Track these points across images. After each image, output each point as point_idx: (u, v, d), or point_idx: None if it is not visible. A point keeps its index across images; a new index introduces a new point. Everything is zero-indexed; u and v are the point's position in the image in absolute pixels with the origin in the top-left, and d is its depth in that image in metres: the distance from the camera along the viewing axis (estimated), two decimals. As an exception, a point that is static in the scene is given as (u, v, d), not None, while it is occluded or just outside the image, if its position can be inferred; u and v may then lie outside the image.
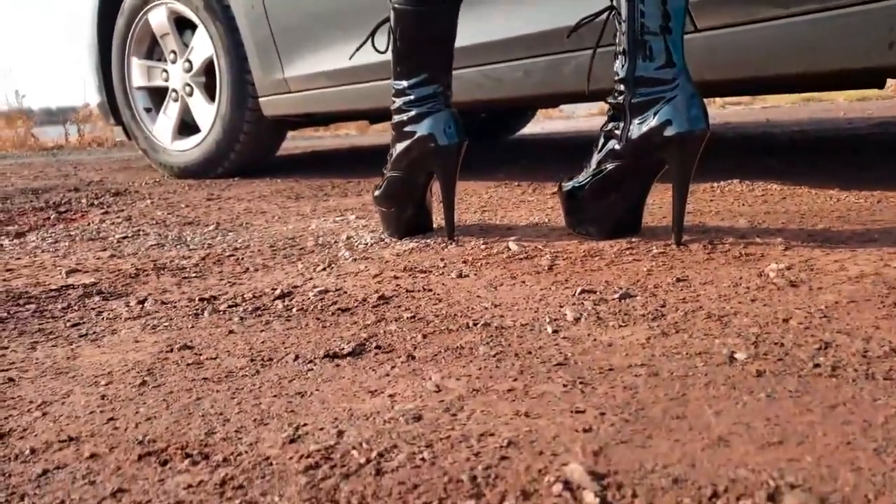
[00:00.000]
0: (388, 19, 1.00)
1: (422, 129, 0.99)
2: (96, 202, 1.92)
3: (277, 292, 0.83)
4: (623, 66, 0.90)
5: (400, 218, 1.08)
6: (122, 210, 1.76)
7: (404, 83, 1.00)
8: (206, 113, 2.13)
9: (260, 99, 1.99)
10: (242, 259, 1.07)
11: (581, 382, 0.49)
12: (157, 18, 2.16)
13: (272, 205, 1.69)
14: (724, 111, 4.97)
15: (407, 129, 1.00)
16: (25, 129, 4.90)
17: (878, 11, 1.05)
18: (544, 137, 3.48)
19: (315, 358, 0.59)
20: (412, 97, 0.99)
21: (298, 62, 1.86)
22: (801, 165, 1.66)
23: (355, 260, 0.99)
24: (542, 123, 5.01)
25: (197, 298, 0.84)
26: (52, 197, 2.10)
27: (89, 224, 1.57)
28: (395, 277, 0.87)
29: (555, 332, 0.61)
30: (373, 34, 1.04)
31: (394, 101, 1.02)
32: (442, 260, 0.94)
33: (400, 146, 1.02)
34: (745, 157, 1.87)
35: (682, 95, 0.86)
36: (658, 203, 1.23)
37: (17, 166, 3.76)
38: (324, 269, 0.97)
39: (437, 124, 0.98)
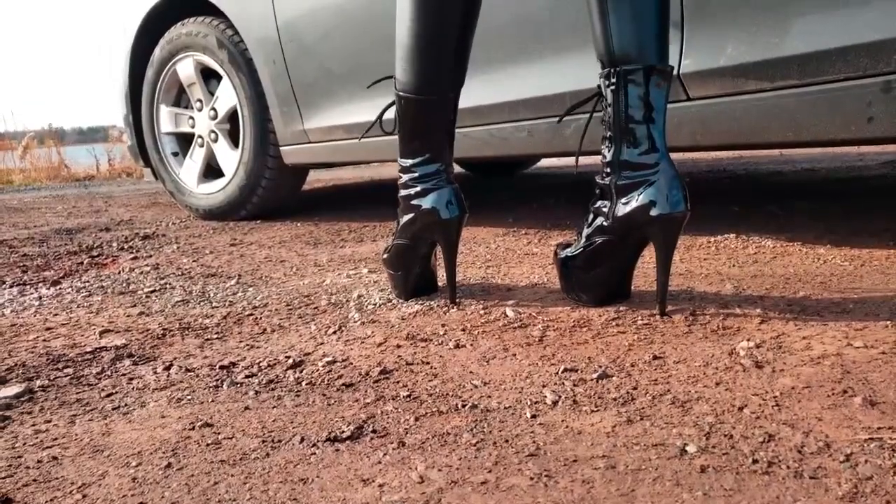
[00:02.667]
0: (394, 103, 1.09)
1: (426, 203, 1.07)
2: (126, 246, 2.03)
3: (290, 361, 0.91)
4: (609, 150, 0.98)
5: (406, 281, 1.16)
6: (151, 256, 1.87)
7: (409, 161, 1.08)
8: (229, 159, 2.23)
9: (281, 148, 2.10)
10: (260, 319, 1.16)
11: (546, 475, 0.56)
12: (185, 69, 2.28)
13: (291, 252, 1.78)
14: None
15: (412, 202, 1.08)
16: (59, 161, 5.09)
17: (857, 88, 1.12)
18: (557, 171, 3.56)
19: (318, 441, 0.66)
20: (417, 174, 1.07)
21: (317, 115, 1.96)
22: (801, 214, 1.71)
23: (363, 323, 1.07)
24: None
25: (217, 366, 0.92)
26: (84, 239, 2.21)
27: (120, 272, 1.67)
28: (398, 346, 0.94)
29: (533, 416, 0.68)
30: (380, 117, 1.13)
31: (400, 176, 1.11)
32: (443, 326, 1.01)
33: (406, 217, 1.10)
34: (749, 202, 1.93)
35: (664, 179, 0.93)
36: (652, 263, 1.29)
37: (51, 199, 3.92)
38: (335, 331, 1.05)
39: (440, 199, 1.06)
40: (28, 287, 1.59)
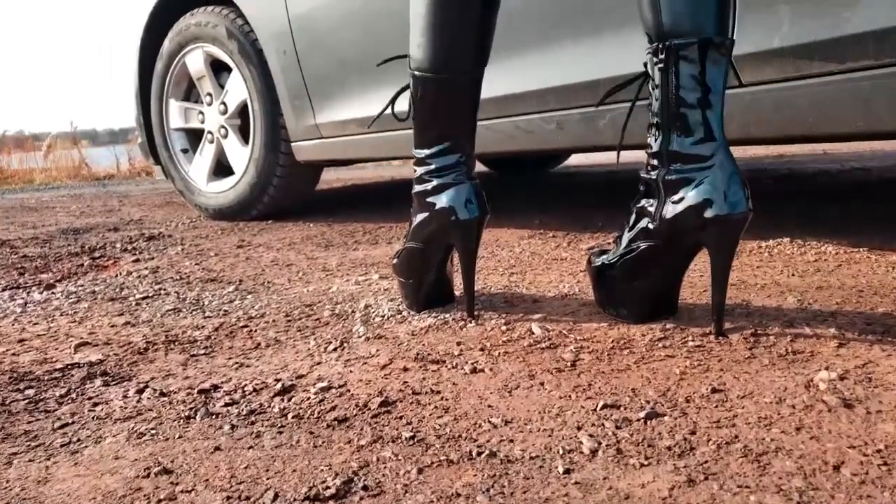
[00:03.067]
0: (408, 86, 0.95)
1: (442, 201, 0.93)
2: (130, 247, 1.92)
3: (279, 386, 0.78)
4: (656, 139, 0.83)
5: (418, 290, 1.02)
6: (153, 258, 1.75)
7: (425, 152, 0.94)
8: (240, 156, 2.12)
9: (292, 144, 1.97)
10: (255, 331, 1.03)
11: (586, 564, 0.42)
12: (194, 61, 2.17)
13: (300, 255, 1.65)
14: (777, 138, 4.78)
15: (427, 199, 0.94)
16: (80, 160, 5.05)
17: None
18: (588, 170, 3.40)
19: (296, 499, 0.53)
20: (433, 167, 0.94)
21: (330, 108, 1.83)
22: (860, 218, 1.54)
23: (368, 339, 0.93)
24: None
25: (196, 390, 0.80)
26: (90, 239, 2.11)
27: (117, 275, 1.55)
28: (405, 369, 0.80)
29: (566, 471, 0.54)
30: (393, 102, 1.00)
31: (415, 170, 0.97)
32: (458, 345, 0.87)
33: (419, 217, 0.97)
34: (799, 204, 1.76)
35: (721, 174, 0.78)
36: (700, 270, 1.14)
37: (67, 198, 3.86)
38: (335, 349, 0.91)
39: (459, 197, 0.92)
40: (20, 291, 1.49)
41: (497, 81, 1.27)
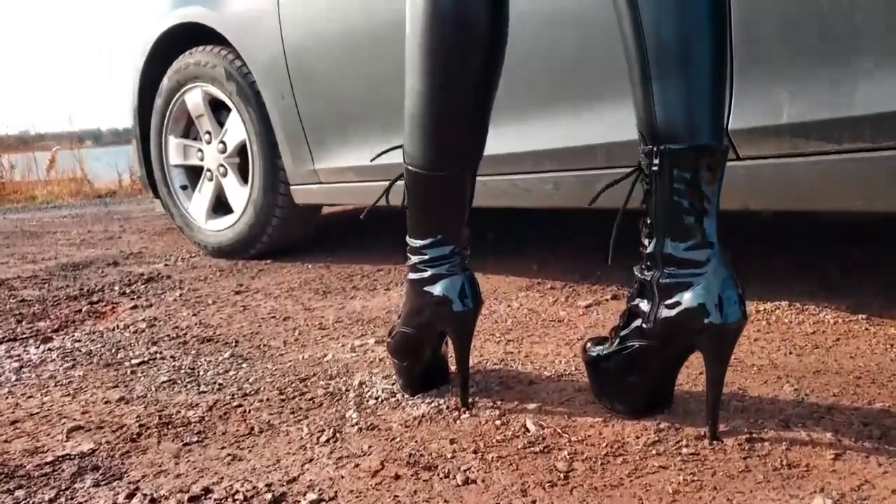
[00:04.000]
0: (402, 175, 0.94)
1: (437, 290, 0.92)
2: (128, 290, 1.92)
3: (269, 496, 0.78)
4: (650, 240, 0.82)
5: (412, 373, 1.01)
6: (151, 304, 1.75)
7: (419, 242, 0.94)
8: (239, 195, 2.12)
9: (291, 187, 1.97)
10: (249, 412, 1.03)
11: None
12: (193, 100, 2.16)
13: (297, 305, 1.65)
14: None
15: (421, 288, 0.94)
16: (82, 176, 5.06)
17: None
18: (587, 208, 3.38)
19: None
20: (427, 257, 0.93)
21: (329, 155, 1.83)
22: (860, 269, 1.53)
23: (360, 430, 0.93)
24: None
25: (187, 497, 0.79)
26: (89, 277, 2.12)
27: (115, 328, 1.55)
28: (396, 477, 0.80)
29: None
30: (387, 191, 0.99)
31: (409, 257, 0.96)
32: (451, 443, 0.87)
33: (413, 304, 0.96)
34: (797, 250, 1.75)
35: (716, 280, 0.78)
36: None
37: (69, 220, 3.86)
38: (328, 439, 0.91)
39: (453, 288, 0.91)
40: (16, 344, 1.49)
41: (495, 140, 1.26)
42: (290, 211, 2.04)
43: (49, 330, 1.61)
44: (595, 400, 0.95)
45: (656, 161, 0.79)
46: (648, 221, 0.83)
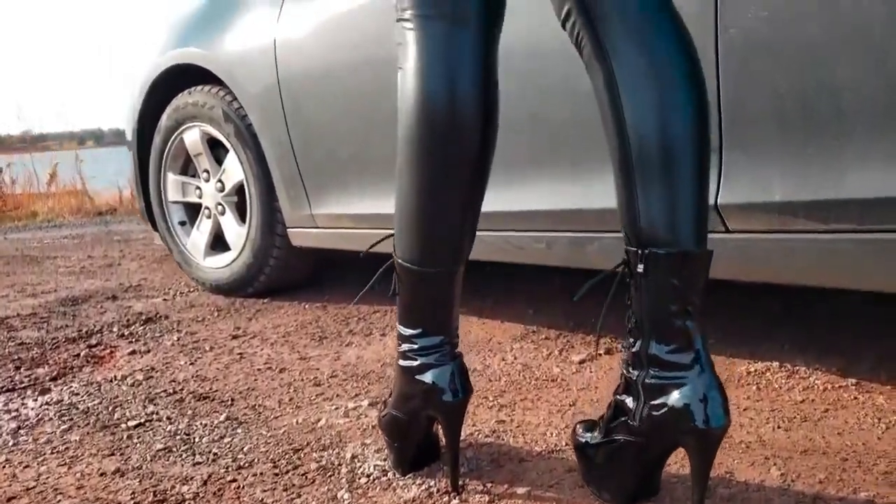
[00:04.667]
0: (392, 267, 0.96)
1: (427, 379, 0.93)
2: (126, 332, 1.93)
3: None
4: (635, 340, 0.84)
5: (403, 453, 1.02)
6: (149, 350, 1.77)
7: (409, 331, 0.95)
8: (237, 234, 2.13)
9: (288, 229, 1.98)
10: (242, 489, 1.04)
11: None
12: (191, 138, 2.18)
13: (294, 353, 1.66)
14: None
15: (411, 376, 0.95)
16: (83, 191, 5.08)
17: (929, 243, 0.96)
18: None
19: None
20: (416, 346, 0.94)
21: (325, 201, 1.84)
22: (849, 322, 1.54)
23: (352, 515, 0.94)
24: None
25: None
26: (88, 314, 2.13)
27: (112, 379, 1.57)
28: (386, 576, 0.81)
29: None
30: (377, 279, 1.01)
31: (399, 343, 0.97)
32: (440, 534, 0.88)
33: (403, 390, 0.97)
34: (787, 297, 1.76)
35: (700, 384, 0.79)
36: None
37: (69, 242, 3.88)
38: (320, 524, 0.92)
39: (443, 378, 0.92)
40: (15, 396, 1.50)
41: (488, 198, 1.28)
42: (287, 251, 2.05)
43: (47, 378, 1.62)
44: (583, 484, 0.96)
45: (641, 264, 0.80)
46: (634, 321, 0.84)
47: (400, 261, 0.92)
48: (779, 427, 1.11)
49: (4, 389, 1.56)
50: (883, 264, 1.01)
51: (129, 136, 2.42)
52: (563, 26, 0.87)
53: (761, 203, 1.09)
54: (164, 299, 2.32)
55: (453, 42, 0.81)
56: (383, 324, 1.85)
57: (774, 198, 1.08)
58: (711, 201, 1.13)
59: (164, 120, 2.23)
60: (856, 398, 1.19)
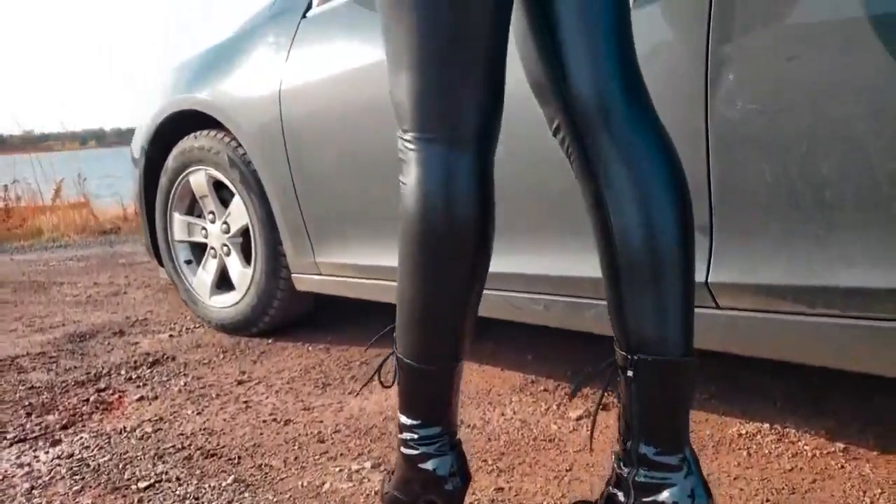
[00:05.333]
0: (393, 354, 1.00)
1: (427, 466, 0.97)
2: (134, 375, 1.97)
3: None
4: (626, 440, 0.88)
5: (405, 530, 1.06)
6: (156, 397, 1.81)
7: (409, 421, 0.99)
8: (242, 276, 2.17)
9: (292, 274, 2.03)
10: (250, 562, 1.08)
11: None
12: (197, 181, 2.22)
13: (297, 402, 1.71)
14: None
15: (412, 463, 0.99)
16: (87, 210, 5.13)
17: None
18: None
19: None
20: (417, 436, 0.98)
21: (329, 250, 1.88)
22: (839, 381, 1.58)
23: None
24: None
25: None
26: (96, 354, 2.17)
27: (122, 430, 1.61)
28: None
29: None
30: (379, 370, 1.05)
31: (400, 431, 1.01)
32: None
33: (404, 473, 1.01)
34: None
35: (686, 485, 0.83)
36: None
37: (74, 266, 3.93)
38: None
39: (443, 467, 0.96)
40: (27, 448, 1.55)
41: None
42: (291, 294, 2.09)
43: (58, 426, 1.67)
44: (578, 565, 1.00)
45: (630, 369, 0.84)
46: (625, 421, 0.88)
47: (400, 356, 0.96)
48: (767, 500, 1.15)
49: (17, 440, 1.61)
50: (867, 349, 1.05)
51: (136, 178, 2.47)
52: (555, 136, 0.91)
53: (750, 284, 1.13)
54: (171, 335, 2.36)
55: (453, 165, 0.85)
56: (385, 369, 1.89)
57: (762, 280, 1.12)
58: (702, 279, 1.18)
59: (171, 161, 2.27)
60: (843, 467, 1.23)
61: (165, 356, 2.13)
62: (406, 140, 0.88)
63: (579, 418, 1.51)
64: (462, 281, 0.90)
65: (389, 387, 1.01)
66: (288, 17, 1.91)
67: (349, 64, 1.69)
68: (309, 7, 1.87)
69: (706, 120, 1.12)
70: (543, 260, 1.41)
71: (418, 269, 0.90)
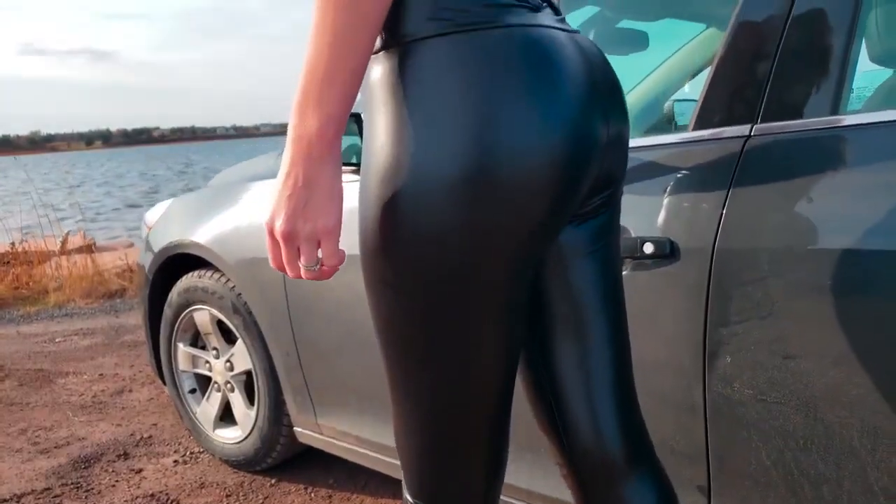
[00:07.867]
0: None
1: None
2: (138, 527, 1.99)
3: None
4: None
5: None
6: (160, 562, 1.82)
7: None
8: (245, 415, 2.19)
9: (294, 427, 2.04)
10: None
11: None
12: (201, 319, 2.24)
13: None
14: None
15: None
16: (94, 270, 5.16)
17: None
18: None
19: None
20: None
21: (330, 414, 1.89)
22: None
23: None
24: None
25: None
26: (100, 492, 2.18)
27: None
28: None
29: None
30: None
31: None
32: None
33: None
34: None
35: None
36: None
37: (79, 344, 3.95)
38: None
39: None
40: None
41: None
42: (294, 440, 2.11)
43: None
44: None
45: None
46: None
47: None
48: None
49: None
50: None
51: (141, 304, 2.48)
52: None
53: None
54: (175, 461, 2.38)
55: None
56: (387, 526, 1.91)
57: (759, 552, 1.12)
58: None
59: (175, 297, 2.29)
60: None
61: (170, 499, 2.15)
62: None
63: None
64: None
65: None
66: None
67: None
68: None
69: (704, 393, 1.13)
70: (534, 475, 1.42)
71: None
